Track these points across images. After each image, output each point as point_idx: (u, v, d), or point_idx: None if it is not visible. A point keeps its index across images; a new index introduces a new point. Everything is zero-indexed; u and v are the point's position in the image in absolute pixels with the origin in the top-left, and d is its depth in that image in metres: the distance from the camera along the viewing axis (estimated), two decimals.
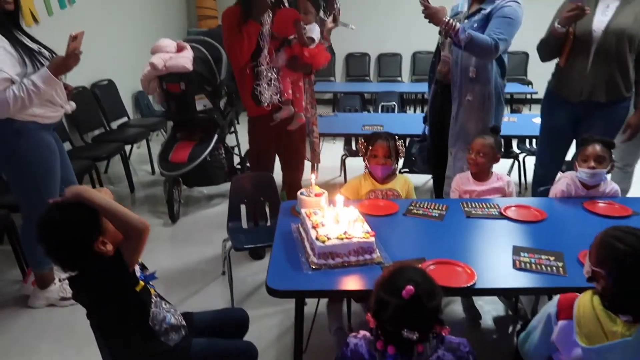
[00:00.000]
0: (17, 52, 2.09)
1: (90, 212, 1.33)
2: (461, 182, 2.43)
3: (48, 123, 2.28)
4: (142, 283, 1.43)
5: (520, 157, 3.99)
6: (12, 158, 2.22)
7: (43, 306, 2.50)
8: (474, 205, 2.13)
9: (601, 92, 2.53)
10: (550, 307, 1.36)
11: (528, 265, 1.63)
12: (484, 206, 2.13)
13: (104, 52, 4.80)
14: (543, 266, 1.62)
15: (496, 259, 1.70)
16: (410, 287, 1.16)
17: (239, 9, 2.54)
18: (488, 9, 2.45)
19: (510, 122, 3.82)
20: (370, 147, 2.33)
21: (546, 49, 2.65)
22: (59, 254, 1.35)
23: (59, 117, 2.35)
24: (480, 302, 2.43)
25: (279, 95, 2.71)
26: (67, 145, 3.79)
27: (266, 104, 2.67)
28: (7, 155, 2.22)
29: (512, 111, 6.00)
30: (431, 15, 2.36)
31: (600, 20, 2.46)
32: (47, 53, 2.23)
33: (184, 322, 1.58)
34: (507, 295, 2.28)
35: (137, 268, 1.47)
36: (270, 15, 2.60)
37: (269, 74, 2.65)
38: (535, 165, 2.97)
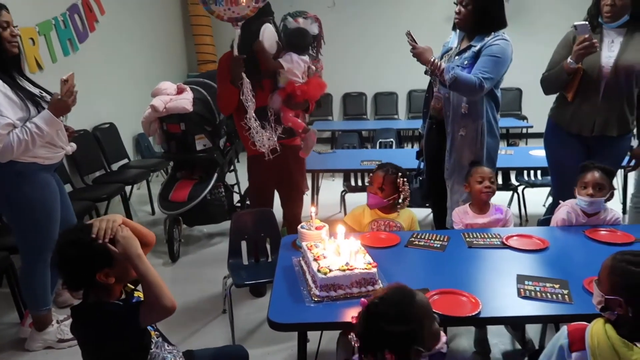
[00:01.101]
0: (19, 97, 2.14)
1: (101, 251, 1.34)
2: (461, 216, 2.42)
3: (49, 164, 2.31)
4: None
5: (519, 189, 4.00)
6: (13, 199, 2.23)
7: (40, 349, 2.45)
8: (475, 236, 2.13)
9: (612, 126, 2.56)
10: (560, 338, 1.33)
11: (533, 293, 1.61)
12: (486, 236, 2.12)
13: (106, 96, 4.90)
14: (548, 294, 1.60)
15: (500, 288, 1.68)
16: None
17: (228, 64, 2.58)
18: (478, 46, 2.48)
19: (508, 155, 3.85)
20: (371, 175, 2.41)
21: (554, 84, 2.64)
22: (66, 268, 1.36)
23: (60, 158, 2.38)
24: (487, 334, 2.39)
25: (276, 138, 2.70)
26: (68, 187, 3.80)
27: (264, 149, 2.66)
28: (8, 196, 2.23)
29: (509, 144, 6.06)
30: (418, 54, 2.44)
31: (608, 55, 2.49)
32: (48, 97, 2.28)
33: None
34: (513, 323, 2.24)
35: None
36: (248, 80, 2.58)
37: (260, 122, 2.64)
38: (552, 196, 2.94)
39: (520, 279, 1.71)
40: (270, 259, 2.58)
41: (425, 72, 2.62)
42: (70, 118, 2.39)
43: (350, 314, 1.53)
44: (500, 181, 3.79)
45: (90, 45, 4.57)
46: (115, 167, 4.64)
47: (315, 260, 1.71)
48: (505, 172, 3.93)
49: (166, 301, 1.35)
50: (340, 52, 6.79)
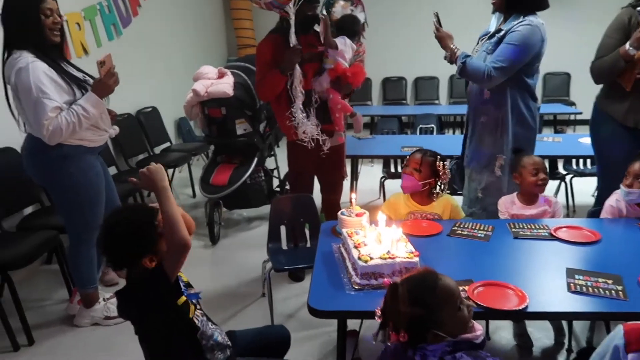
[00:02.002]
0: (64, 81, 2.19)
1: (152, 228, 1.37)
2: (507, 206, 2.32)
3: (94, 147, 2.37)
4: (184, 298, 1.43)
5: (567, 178, 3.84)
6: (60, 181, 2.30)
7: (88, 325, 2.54)
8: (521, 226, 2.05)
9: None
10: (615, 338, 1.26)
11: (584, 288, 1.53)
12: (533, 227, 2.04)
13: (148, 80, 4.99)
14: (601, 289, 1.52)
15: (548, 281, 1.61)
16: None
17: (274, 46, 2.58)
18: (504, 30, 2.37)
19: (555, 143, 3.70)
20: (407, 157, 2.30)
21: (608, 73, 2.44)
22: (113, 251, 1.39)
23: (104, 141, 2.43)
24: (530, 328, 2.32)
25: (319, 127, 2.69)
26: (112, 170, 3.92)
27: (308, 139, 2.64)
28: (55, 179, 2.30)
29: (556, 131, 5.83)
30: (439, 38, 2.45)
31: None
32: (91, 81, 2.33)
33: (229, 342, 1.57)
34: (563, 319, 2.17)
35: (181, 284, 1.47)
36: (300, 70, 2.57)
37: (303, 118, 2.62)
38: (597, 189, 2.78)
39: (570, 272, 1.64)
40: (309, 244, 2.58)
41: (445, 58, 2.54)
42: (114, 101, 2.43)
43: None
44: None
45: (133, 30, 4.65)
46: (157, 150, 4.74)
47: (355, 247, 1.68)
48: (553, 160, 3.78)
49: (178, 236, 1.35)
50: (381, 36, 6.66)
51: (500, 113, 2.46)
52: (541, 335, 2.31)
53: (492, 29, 2.55)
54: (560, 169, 3.92)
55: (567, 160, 3.92)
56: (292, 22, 2.47)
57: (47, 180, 2.36)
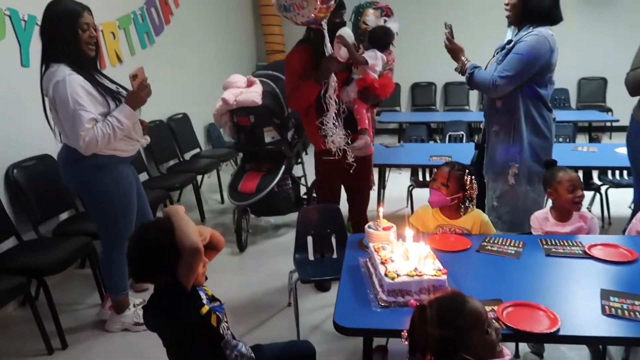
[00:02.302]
0: (99, 93, 2.25)
1: (173, 250, 1.39)
2: (541, 222, 2.24)
3: (126, 156, 2.42)
4: (207, 307, 1.45)
5: (602, 189, 3.73)
6: (94, 190, 2.36)
7: (118, 330, 2.60)
8: (554, 243, 2.00)
9: None
10: None
11: (620, 311, 1.48)
12: (566, 244, 1.98)
13: (179, 87, 5.09)
14: (637, 313, 1.47)
15: (582, 303, 1.56)
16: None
17: (306, 57, 2.57)
18: (514, 41, 2.42)
19: (590, 153, 3.59)
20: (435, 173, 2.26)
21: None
22: (136, 264, 1.43)
23: (136, 150, 2.49)
24: (563, 347, 2.25)
25: (348, 138, 2.67)
26: (144, 176, 4.01)
27: (336, 148, 2.62)
28: (89, 188, 2.37)
29: (591, 140, 5.67)
30: (451, 50, 2.55)
31: None
32: (124, 92, 2.39)
33: (252, 355, 1.58)
34: (596, 344, 2.09)
35: (203, 295, 1.49)
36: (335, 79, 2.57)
37: (335, 131, 2.60)
38: (634, 203, 2.69)
39: (605, 294, 1.58)
40: (335, 255, 2.58)
41: (455, 69, 2.63)
42: (146, 108, 2.49)
43: None
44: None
45: (166, 37, 4.75)
46: (187, 156, 4.82)
47: (382, 263, 1.67)
48: (587, 171, 3.67)
49: (188, 242, 1.38)
50: (410, 40, 6.61)
51: (512, 121, 2.49)
52: (573, 354, 2.24)
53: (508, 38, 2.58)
54: (595, 180, 3.81)
55: (603, 170, 3.80)
56: (326, 32, 2.48)
57: (82, 189, 2.43)
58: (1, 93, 2.86)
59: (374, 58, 2.66)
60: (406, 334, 1.26)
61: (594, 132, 6.12)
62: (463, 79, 2.65)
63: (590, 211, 3.65)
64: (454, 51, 2.54)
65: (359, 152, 2.73)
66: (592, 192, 3.77)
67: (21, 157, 2.94)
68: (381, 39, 2.74)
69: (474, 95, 7.42)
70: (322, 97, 2.55)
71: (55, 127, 2.35)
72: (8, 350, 2.48)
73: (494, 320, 1.25)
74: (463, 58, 2.53)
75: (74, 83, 2.15)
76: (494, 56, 2.62)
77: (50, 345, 2.44)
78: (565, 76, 7.14)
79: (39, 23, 2.26)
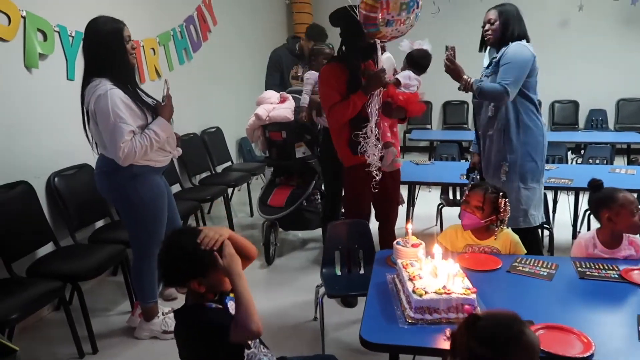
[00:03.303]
0: (138, 107, 2.34)
1: (206, 256, 1.42)
2: (587, 249, 2.12)
3: (159, 167, 2.50)
4: None
5: None
6: (128, 199, 2.44)
7: (147, 338, 2.65)
8: (588, 266, 1.95)
9: None
10: None
11: None
12: (601, 267, 1.93)
13: (214, 102, 5.21)
14: None
15: (616, 328, 1.52)
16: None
17: (344, 75, 2.59)
18: (498, 57, 2.67)
19: (629, 175, 3.49)
20: (467, 193, 2.23)
21: None
22: (166, 266, 1.47)
23: (168, 161, 2.57)
24: None
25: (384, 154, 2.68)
26: (177, 187, 4.10)
27: (374, 161, 2.63)
28: (123, 197, 2.44)
29: (630, 163, 5.50)
30: (452, 71, 2.70)
31: None
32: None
33: None
34: None
35: (232, 304, 1.51)
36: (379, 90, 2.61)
37: (375, 141, 2.62)
38: None
39: None
40: (363, 271, 2.57)
41: (459, 89, 2.79)
42: (182, 121, 2.57)
43: (446, 341, 1.47)
44: None
45: (202, 54, 4.89)
46: (219, 169, 4.91)
47: (410, 280, 1.66)
48: None
49: (253, 325, 1.38)
50: (441, 58, 6.62)
51: (503, 125, 2.70)
52: None
53: (485, 64, 2.85)
54: None
55: None
56: (379, 46, 2.55)
57: (116, 198, 2.50)
58: (48, 105, 3.00)
59: (407, 78, 2.69)
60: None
61: (633, 154, 5.94)
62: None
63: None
64: (456, 71, 2.70)
65: (389, 167, 2.74)
66: None
67: (62, 166, 3.07)
68: (420, 62, 2.77)
69: None
70: (366, 108, 2.58)
71: (92, 139, 2.44)
72: (41, 352, 2.56)
73: None
74: (465, 76, 2.70)
75: (115, 97, 2.24)
76: (481, 77, 2.81)
77: (82, 349, 2.50)
78: (603, 97, 6.99)
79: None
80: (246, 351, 1.50)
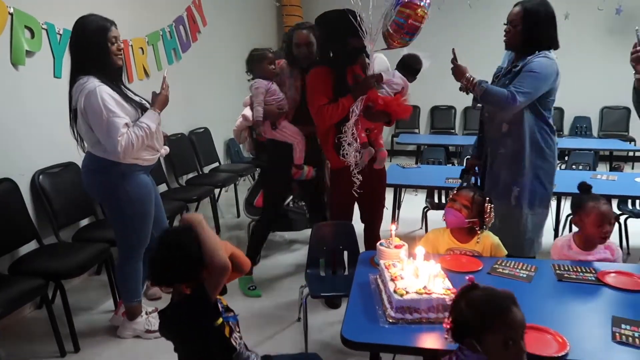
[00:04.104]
0: (127, 102, 2.34)
1: (199, 259, 1.43)
2: (562, 249, 2.21)
3: (147, 165, 2.50)
4: (221, 319, 1.48)
5: (622, 218, 3.68)
6: (115, 197, 2.43)
7: (130, 337, 2.64)
8: (566, 268, 1.99)
9: None
10: None
11: (631, 339, 1.47)
12: (579, 270, 1.97)
13: (202, 102, 5.20)
14: None
15: (591, 329, 1.56)
16: (471, 277, 1.28)
17: (330, 80, 2.61)
18: (519, 66, 2.42)
19: (609, 181, 3.57)
20: (454, 192, 2.25)
21: (635, 104, 2.31)
22: (158, 268, 1.48)
23: (156, 160, 2.56)
24: None
25: (362, 154, 2.70)
26: (163, 187, 4.09)
27: (352, 163, 2.66)
28: (110, 195, 2.44)
29: (612, 169, 5.60)
30: (457, 71, 2.48)
31: None
32: (146, 105, 2.48)
33: None
34: None
35: (219, 306, 1.52)
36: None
37: (353, 142, 2.63)
38: None
39: (617, 321, 1.57)
40: (347, 272, 2.59)
41: (460, 89, 2.60)
42: (170, 121, 2.57)
43: (425, 340, 1.50)
44: None
45: (191, 54, 4.89)
46: (206, 169, 4.91)
47: (392, 280, 1.69)
48: (606, 199, 3.62)
49: (217, 260, 1.43)
50: (431, 63, 6.70)
51: (518, 145, 2.48)
52: None
53: (504, 65, 2.59)
54: (615, 209, 3.75)
55: (622, 199, 3.76)
56: (371, 54, 2.53)
57: (103, 196, 2.50)
58: (34, 102, 2.99)
59: (392, 75, 2.71)
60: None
61: (615, 161, 6.05)
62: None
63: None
64: (459, 70, 2.49)
65: (378, 162, 2.79)
66: None
67: (47, 164, 3.05)
68: (411, 64, 2.81)
69: None
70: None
71: (79, 137, 2.43)
72: (21, 351, 2.54)
73: (523, 344, 1.22)
74: (468, 75, 2.48)
75: (104, 93, 2.24)
76: (493, 81, 2.61)
77: (64, 347, 2.49)
78: (588, 104, 7.11)
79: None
80: (235, 344, 1.51)
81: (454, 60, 2.50)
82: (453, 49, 2.52)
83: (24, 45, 2.89)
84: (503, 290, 1.28)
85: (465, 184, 2.75)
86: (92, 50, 2.26)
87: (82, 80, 2.26)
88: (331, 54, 2.69)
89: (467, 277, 1.34)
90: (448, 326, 1.30)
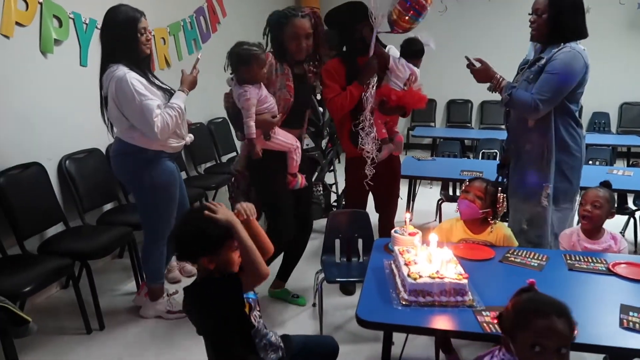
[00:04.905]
0: (156, 87, 2.43)
1: (219, 236, 1.50)
2: (570, 240, 2.28)
3: (172, 152, 2.58)
4: (247, 304, 1.56)
5: (637, 214, 3.68)
6: (141, 182, 2.52)
7: (152, 317, 2.74)
8: (577, 259, 2.03)
9: None
10: None
11: (638, 325, 1.52)
12: (590, 260, 2.01)
13: (221, 93, 5.26)
14: None
15: (600, 316, 1.60)
16: (532, 280, 1.33)
17: (343, 70, 2.70)
18: (544, 59, 2.34)
19: (626, 177, 3.56)
20: (467, 184, 2.30)
21: None
22: (178, 243, 1.55)
23: (181, 147, 2.65)
24: None
25: (378, 145, 2.76)
26: (183, 175, 4.17)
27: (369, 156, 2.72)
28: (138, 180, 2.53)
29: (630, 165, 5.56)
30: (480, 71, 2.43)
31: None
32: (173, 91, 2.57)
33: (282, 344, 1.68)
34: (611, 355, 2.09)
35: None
36: (376, 77, 2.67)
37: (371, 131, 2.70)
38: None
39: (625, 309, 1.61)
40: (361, 260, 2.66)
41: (489, 89, 2.52)
42: (190, 111, 2.65)
43: (437, 321, 1.56)
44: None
45: (211, 44, 4.96)
46: (224, 158, 4.99)
47: (406, 265, 1.75)
48: (622, 194, 3.63)
49: (262, 267, 1.51)
50: (448, 58, 6.69)
51: (545, 141, 2.41)
52: None
53: (530, 57, 2.52)
54: (630, 204, 3.76)
55: (638, 195, 3.75)
56: (375, 32, 2.57)
57: (131, 180, 2.60)
58: (61, 90, 3.09)
59: (397, 60, 2.71)
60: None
61: (633, 158, 5.99)
62: (498, 97, 2.57)
63: (623, 235, 3.60)
64: (485, 71, 2.44)
65: (397, 148, 2.87)
66: (626, 217, 3.72)
67: (73, 149, 3.16)
68: (410, 49, 2.75)
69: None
70: (364, 99, 2.66)
71: (109, 122, 2.53)
72: (49, 328, 2.64)
73: (554, 355, 1.22)
74: (497, 75, 2.43)
75: (133, 79, 2.33)
76: (518, 73, 2.56)
77: (89, 325, 2.60)
78: (607, 100, 7.03)
79: (99, 26, 2.46)
80: (254, 321, 1.59)
81: (471, 65, 2.45)
82: (466, 57, 2.48)
83: (52, 34, 2.99)
84: (554, 299, 1.30)
85: (504, 180, 2.71)
86: (122, 40, 2.35)
87: (112, 68, 2.34)
88: (347, 47, 2.75)
89: (527, 281, 1.36)
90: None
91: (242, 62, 2.49)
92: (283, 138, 2.61)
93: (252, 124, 2.44)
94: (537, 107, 2.30)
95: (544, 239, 2.49)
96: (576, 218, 2.48)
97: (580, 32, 2.35)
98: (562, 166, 2.44)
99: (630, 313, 1.58)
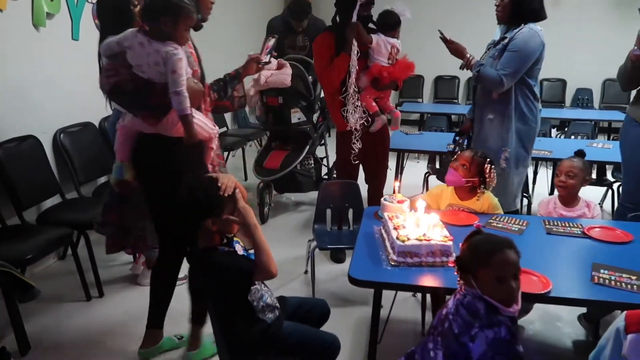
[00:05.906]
0: None
1: (221, 199, 1.60)
2: (548, 207, 2.43)
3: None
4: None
5: (615, 185, 3.83)
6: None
7: (149, 284, 2.81)
8: (555, 224, 2.16)
9: None
10: (618, 322, 1.39)
11: (607, 281, 1.64)
12: (567, 225, 2.14)
13: (209, 67, 5.26)
14: (623, 284, 1.63)
15: (574, 273, 1.74)
16: (479, 224, 1.47)
17: (332, 41, 2.79)
18: (507, 39, 2.60)
19: (605, 149, 3.70)
20: (459, 153, 2.43)
21: (623, 77, 2.59)
22: (184, 204, 1.64)
23: None
24: (559, 323, 2.42)
25: (364, 119, 2.88)
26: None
27: (353, 127, 2.85)
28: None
29: (610, 139, 5.72)
30: (454, 49, 2.72)
31: None
32: None
33: (277, 304, 1.78)
34: (581, 306, 2.25)
35: (239, 247, 1.70)
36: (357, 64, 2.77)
37: (355, 100, 2.82)
38: (620, 201, 2.86)
39: (596, 267, 1.74)
40: (352, 228, 2.77)
41: (461, 67, 2.80)
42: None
43: (424, 279, 1.68)
44: (594, 175, 3.65)
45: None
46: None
47: (395, 229, 1.86)
48: (601, 166, 3.78)
49: (272, 267, 1.64)
50: (435, 34, 6.76)
51: (506, 111, 2.67)
52: (569, 330, 2.40)
53: (496, 37, 2.77)
54: (609, 176, 3.91)
55: (617, 167, 3.90)
56: (358, 5, 2.68)
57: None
58: (54, 64, 3.11)
59: (376, 39, 2.82)
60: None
61: (614, 133, 6.16)
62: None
63: (601, 207, 3.77)
64: (458, 50, 2.72)
65: (395, 124, 3.11)
66: (604, 188, 3.87)
67: (67, 123, 3.19)
68: (385, 22, 2.86)
69: None
70: (349, 71, 2.77)
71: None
72: (50, 296, 2.73)
73: (514, 283, 1.38)
74: (468, 55, 2.71)
75: None
76: (485, 52, 2.80)
77: (89, 292, 2.69)
78: (590, 76, 7.17)
79: (89, 0, 2.46)
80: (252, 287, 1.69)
81: (444, 38, 2.71)
82: (439, 30, 2.73)
83: (44, 7, 2.99)
84: (503, 237, 1.46)
85: (456, 148, 2.91)
86: (117, 13, 2.38)
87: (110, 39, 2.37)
88: (336, 21, 2.84)
89: (474, 224, 1.52)
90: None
91: (168, 11, 1.84)
92: (202, 120, 2.02)
93: (187, 94, 1.86)
94: (501, 82, 2.55)
95: (503, 198, 2.64)
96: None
97: (538, 14, 2.59)
98: (521, 134, 2.71)
99: (601, 270, 1.71)
